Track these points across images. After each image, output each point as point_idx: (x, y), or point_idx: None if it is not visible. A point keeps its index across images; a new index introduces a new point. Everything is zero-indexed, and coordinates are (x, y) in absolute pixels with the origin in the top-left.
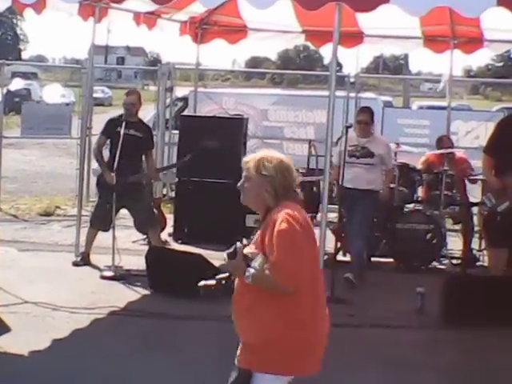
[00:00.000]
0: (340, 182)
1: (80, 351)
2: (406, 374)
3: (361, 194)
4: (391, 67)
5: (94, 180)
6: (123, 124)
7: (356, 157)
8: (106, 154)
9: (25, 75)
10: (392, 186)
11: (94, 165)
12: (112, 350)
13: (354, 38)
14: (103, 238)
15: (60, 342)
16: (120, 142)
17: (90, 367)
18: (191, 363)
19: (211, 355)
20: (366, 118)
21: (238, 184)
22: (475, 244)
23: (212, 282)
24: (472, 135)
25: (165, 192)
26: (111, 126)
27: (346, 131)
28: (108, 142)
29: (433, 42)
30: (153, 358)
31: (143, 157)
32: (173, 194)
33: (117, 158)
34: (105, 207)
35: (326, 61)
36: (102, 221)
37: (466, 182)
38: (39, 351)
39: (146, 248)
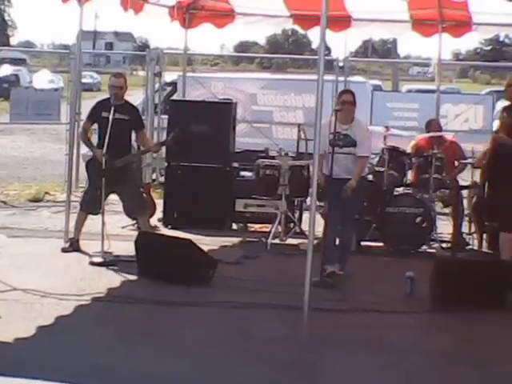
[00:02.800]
0: (325, 171)
1: (69, 338)
2: (395, 358)
3: (345, 183)
4: (380, 51)
5: (83, 165)
6: (111, 109)
7: (339, 146)
8: (95, 138)
9: (13, 61)
10: (382, 169)
11: (83, 150)
12: (101, 336)
13: (342, 21)
14: (92, 223)
15: (48, 329)
16: (108, 127)
17: (78, 354)
18: (181, 349)
19: (200, 341)
20: (349, 97)
21: None
22: (465, 227)
23: None
24: (461, 118)
25: (154, 177)
26: (97, 110)
27: (336, 115)
28: (96, 126)
29: (421, 25)
30: (142, 344)
31: (132, 139)
32: (162, 179)
33: (105, 143)
34: (94, 192)
35: (315, 45)
36: (91, 204)
37: (456, 164)
38: (27, 338)
39: (136, 233)
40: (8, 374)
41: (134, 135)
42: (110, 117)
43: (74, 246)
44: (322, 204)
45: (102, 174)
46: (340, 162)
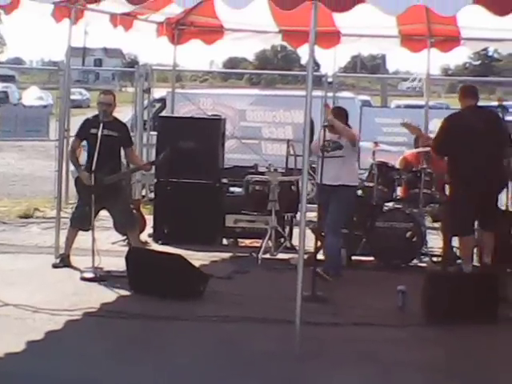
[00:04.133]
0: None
1: (60, 353)
2: (388, 371)
3: (333, 190)
4: (369, 66)
5: (72, 182)
6: (100, 125)
7: (327, 151)
8: (84, 155)
9: (2, 78)
10: (371, 185)
11: (73, 167)
12: (92, 351)
13: (331, 37)
14: (83, 239)
15: (40, 344)
16: (97, 143)
17: (68, 369)
18: (172, 364)
19: (190, 356)
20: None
21: None
22: (455, 242)
23: None
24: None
25: (144, 193)
26: (86, 127)
27: (324, 130)
28: (85, 143)
29: (410, 40)
30: (133, 358)
31: (121, 156)
32: (152, 195)
33: (94, 160)
34: (84, 208)
35: (304, 61)
36: (81, 221)
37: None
38: (18, 353)
39: (126, 249)
40: None
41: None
42: (99, 133)
43: (64, 262)
44: (312, 219)
45: (91, 191)
46: (330, 167)
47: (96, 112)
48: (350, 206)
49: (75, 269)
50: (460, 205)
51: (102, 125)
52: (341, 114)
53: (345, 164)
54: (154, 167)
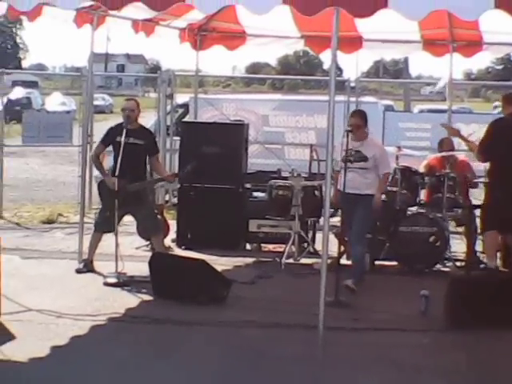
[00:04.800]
0: (338, 187)
1: (83, 358)
2: (409, 377)
3: (358, 199)
4: (391, 71)
5: (96, 187)
6: (123, 132)
7: (350, 161)
8: (108, 161)
9: (25, 84)
10: (395, 189)
11: (96, 172)
12: (115, 356)
13: (354, 43)
14: (106, 244)
15: (63, 349)
16: (121, 151)
17: (92, 374)
18: (196, 369)
19: (215, 361)
20: (356, 121)
21: None
22: (479, 246)
23: None
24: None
25: (167, 198)
26: (111, 135)
27: (347, 135)
28: (110, 148)
29: (432, 45)
30: (157, 364)
31: (146, 163)
32: (175, 200)
33: (118, 168)
34: (107, 213)
35: (326, 66)
36: (105, 224)
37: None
38: (42, 358)
39: (150, 254)
40: None
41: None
42: (122, 140)
43: (88, 267)
44: (335, 224)
45: (115, 197)
46: (352, 177)
47: (119, 117)
48: (374, 213)
49: (98, 274)
50: (493, 203)
51: (125, 132)
52: (361, 117)
53: (368, 173)
54: (176, 169)
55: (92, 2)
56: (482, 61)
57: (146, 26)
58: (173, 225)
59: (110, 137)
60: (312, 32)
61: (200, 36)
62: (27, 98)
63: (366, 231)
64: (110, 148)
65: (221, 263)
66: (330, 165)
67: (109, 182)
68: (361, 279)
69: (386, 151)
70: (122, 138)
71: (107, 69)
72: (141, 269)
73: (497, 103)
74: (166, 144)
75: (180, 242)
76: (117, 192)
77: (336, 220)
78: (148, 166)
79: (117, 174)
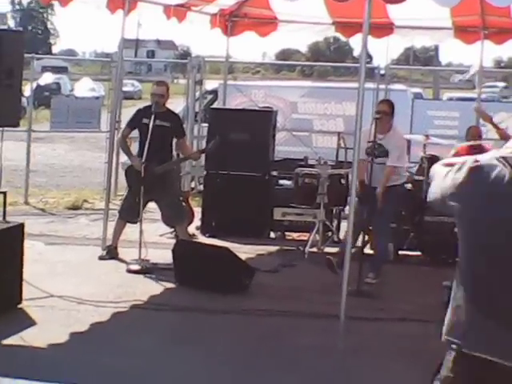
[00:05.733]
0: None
1: (104, 345)
2: (431, 366)
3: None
4: (422, 59)
5: (122, 174)
6: (152, 116)
7: (374, 156)
8: (135, 146)
9: (55, 69)
10: (421, 178)
11: (123, 158)
12: (137, 344)
13: (384, 29)
14: (130, 231)
15: (84, 336)
16: (149, 133)
17: (112, 361)
18: (217, 356)
19: (237, 349)
20: (384, 107)
21: None
22: None
23: None
24: (502, 126)
25: (193, 185)
26: (138, 117)
27: (375, 123)
28: (136, 133)
29: (463, 32)
30: (178, 351)
31: (173, 146)
32: (201, 188)
33: (145, 150)
34: (133, 199)
35: (356, 52)
36: (130, 213)
37: None
38: (63, 344)
39: (173, 241)
40: (43, 379)
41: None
42: (151, 123)
43: (111, 254)
44: None
45: (141, 182)
46: (374, 172)
47: (148, 103)
48: (397, 203)
49: (121, 261)
50: None
51: (153, 115)
52: (389, 105)
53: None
54: (203, 157)
55: None
56: None
57: (177, 12)
58: (197, 212)
59: (138, 119)
60: (343, 18)
61: (231, 22)
62: (56, 84)
63: (389, 223)
64: (136, 134)
65: (244, 251)
66: (357, 153)
67: (136, 165)
68: (381, 270)
69: (404, 145)
70: (151, 122)
71: (137, 54)
72: (164, 256)
73: None
74: (194, 130)
75: (204, 229)
76: (144, 175)
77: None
78: (175, 153)
79: (144, 157)
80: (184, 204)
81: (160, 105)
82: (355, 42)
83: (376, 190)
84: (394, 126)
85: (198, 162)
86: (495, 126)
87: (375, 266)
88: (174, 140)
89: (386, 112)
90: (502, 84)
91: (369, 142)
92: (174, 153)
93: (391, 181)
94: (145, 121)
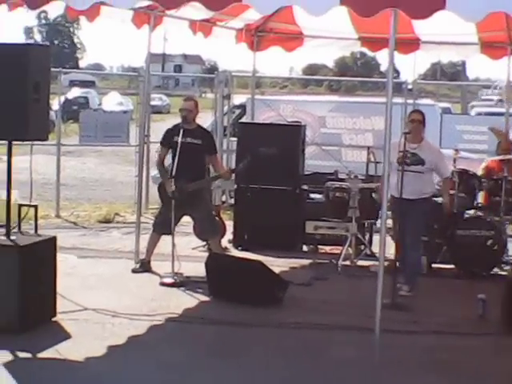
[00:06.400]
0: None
1: (139, 358)
2: (466, 381)
3: (412, 204)
4: (449, 74)
5: (153, 187)
6: (180, 132)
7: (406, 164)
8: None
9: (82, 83)
10: (452, 192)
11: (153, 172)
12: (172, 357)
13: (410, 44)
14: (163, 244)
15: (119, 349)
16: (177, 150)
17: (148, 374)
18: (251, 370)
19: (269, 362)
20: (418, 116)
21: None
22: None
23: None
24: None
25: (224, 199)
26: (169, 135)
27: (405, 137)
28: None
29: (490, 48)
30: (211, 365)
31: (205, 163)
32: (232, 201)
33: (175, 168)
34: (167, 214)
35: (383, 67)
36: (164, 226)
37: None
38: (98, 358)
39: (206, 255)
40: None
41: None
42: (179, 140)
43: (144, 267)
44: (391, 227)
45: (172, 198)
46: (407, 181)
47: (176, 117)
48: (428, 216)
49: (155, 274)
50: None
51: (182, 131)
52: (422, 114)
53: (423, 177)
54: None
55: (149, 2)
56: None
57: (203, 27)
58: (229, 225)
59: (169, 137)
60: (369, 33)
61: (257, 37)
62: (84, 98)
63: (421, 236)
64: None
65: (277, 264)
66: (386, 167)
67: (167, 187)
68: (416, 284)
69: (443, 154)
70: (179, 138)
71: (164, 69)
72: (197, 269)
73: None
74: (223, 145)
75: (237, 242)
76: (174, 192)
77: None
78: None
79: (173, 174)
80: (216, 217)
81: (189, 120)
82: (382, 57)
83: (410, 201)
84: (426, 137)
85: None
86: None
87: (409, 279)
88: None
89: (419, 120)
90: None
91: (400, 151)
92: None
93: (426, 194)
94: (176, 139)
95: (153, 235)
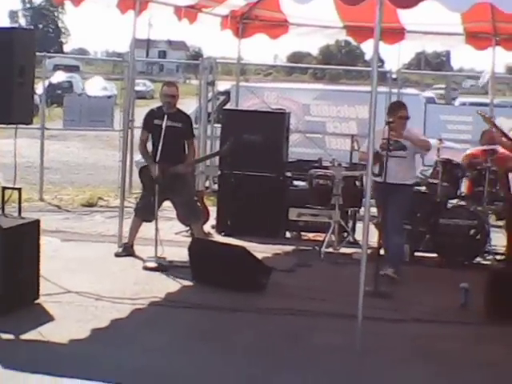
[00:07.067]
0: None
1: (121, 341)
2: (448, 369)
3: (395, 188)
4: (433, 63)
5: (136, 172)
6: (165, 118)
7: (389, 150)
8: (148, 146)
9: (67, 68)
10: (435, 181)
11: (137, 157)
12: (154, 341)
13: (396, 34)
14: (146, 229)
15: (102, 332)
16: (162, 134)
17: (130, 357)
18: (233, 355)
19: (253, 347)
20: (406, 113)
21: None
22: None
23: None
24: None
25: (207, 185)
26: (150, 118)
27: (389, 127)
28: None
29: (474, 38)
30: (194, 349)
31: (185, 146)
32: (216, 187)
33: (159, 151)
34: (149, 198)
35: (368, 56)
36: (146, 211)
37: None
38: (81, 340)
39: (189, 240)
40: (62, 374)
41: None
42: (164, 124)
43: (127, 251)
44: (375, 214)
45: (155, 182)
46: (390, 166)
47: (160, 103)
48: (410, 203)
49: (138, 258)
50: None
51: (166, 116)
52: (407, 109)
53: (405, 163)
54: (218, 158)
55: None
56: None
57: (188, 13)
58: (213, 211)
59: (150, 120)
60: (354, 22)
61: (242, 24)
62: (68, 82)
63: (402, 221)
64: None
65: (260, 250)
66: (371, 155)
67: (152, 170)
68: (399, 269)
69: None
70: (164, 123)
71: (149, 55)
72: (180, 254)
73: None
74: (207, 131)
75: (220, 228)
76: (158, 177)
77: (376, 210)
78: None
79: (157, 158)
80: (199, 203)
81: (172, 105)
82: (366, 46)
83: (394, 186)
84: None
85: (213, 161)
86: (499, 130)
87: (392, 262)
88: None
89: (407, 117)
90: None
91: (383, 139)
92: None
93: (408, 180)
94: (157, 122)
95: (135, 220)
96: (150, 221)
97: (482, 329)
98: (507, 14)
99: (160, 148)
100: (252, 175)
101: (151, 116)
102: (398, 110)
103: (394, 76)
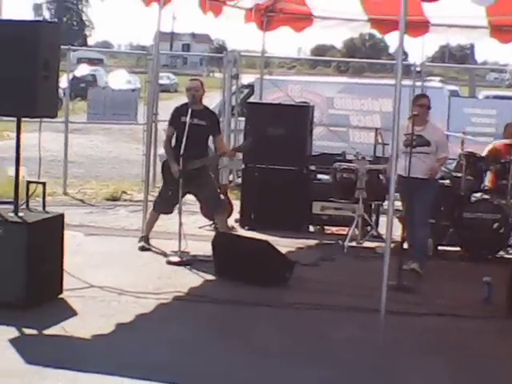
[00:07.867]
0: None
1: (145, 336)
2: (470, 362)
3: (418, 184)
4: (457, 56)
5: (159, 166)
6: (188, 113)
7: (413, 146)
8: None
9: (91, 61)
10: (459, 175)
11: (160, 151)
12: (177, 335)
13: (420, 27)
14: (170, 223)
15: (125, 327)
16: (185, 132)
17: (154, 352)
18: (256, 349)
19: (276, 342)
20: (427, 102)
21: None
22: None
23: None
24: None
25: (231, 178)
26: (176, 115)
27: (413, 120)
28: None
29: (499, 31)
30: (217, 343)
31: (208, 143)
32: (239, 181)
33: (182, 148)
34: (167, 193)
35: (392, 49)
36: (164, 205)
37: None
38: (104, 335)
39: (213, 234)
40: (85, 369)
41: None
42: (188, 120)
43: (146, 242)
44: (398, 208)
45: (178, 177)
46: (414, 162)
47: (183, 96)
48: (435, 197)
49: (161, 253)
50: None
51: (190, 112)
52: (428, 99)
53: (429, 158)
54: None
55: None
56: None
57: (213, 6)
58: (236, 205)
59: (177, 117)
60: (379, 15)
61: (267, 17)
62: (92, 76)
63: (427, 215)
64: None
65: (283, 244)
66: (394, 148)
67: (173, 170)
68: (424, 263)
69: (445, 136)
70: (187, 119)
71: (173, 48)
72: (204, 248)
73: None
74: (231, 124)
75: (243, 222)
76: (180, 171)
77: (400, 204)
78: (213, 146)
79: (181, 153)
80: (222, 197)
81: (196, 100)
82: (390, 39)
83: (416, 180)
84: (431, 121)
85: (237, 155)
86: None
87: (418, 257)
88: (211, 137)
89: (427, 106)
90: None
91: (406, 134)
92: (212, 146)
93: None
94: (183, 119)
95: (152, 213)
96: (167, 213)
97: (505, 323)
98: None
99: (184, 144)
100: (276, 169)
101: (178, 112)
102: (417, 99)
103: (417, 69)
